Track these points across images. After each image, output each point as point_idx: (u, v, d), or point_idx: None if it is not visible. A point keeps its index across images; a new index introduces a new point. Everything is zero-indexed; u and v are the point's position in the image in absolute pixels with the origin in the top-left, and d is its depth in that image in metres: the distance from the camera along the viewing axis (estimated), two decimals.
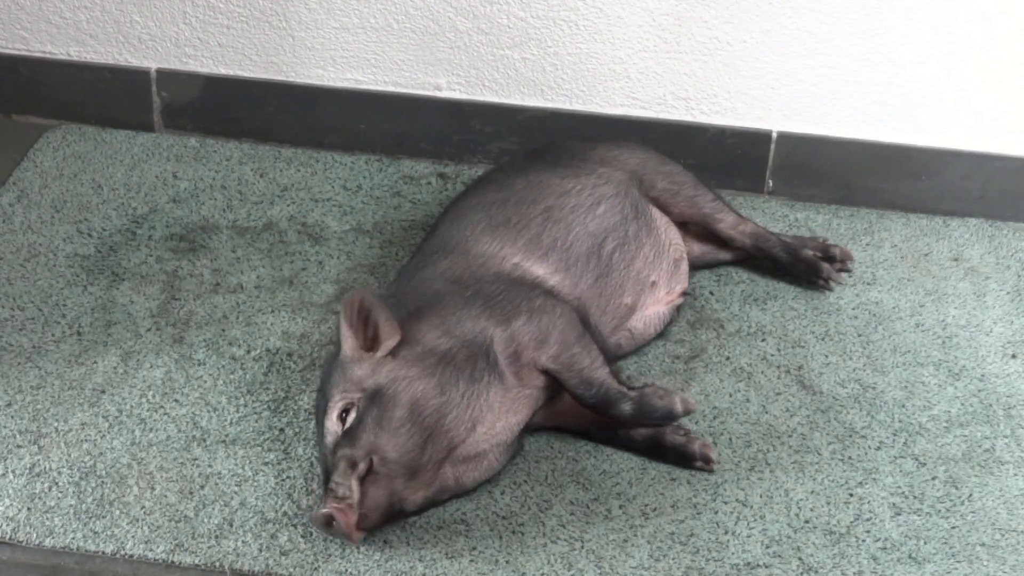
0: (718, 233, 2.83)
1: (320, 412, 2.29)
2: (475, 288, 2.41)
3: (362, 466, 2.19)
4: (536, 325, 2.37)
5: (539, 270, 2.51)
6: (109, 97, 3.28)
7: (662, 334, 2.70)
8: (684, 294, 2.74)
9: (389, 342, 2.28)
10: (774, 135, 3.12)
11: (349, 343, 2.29)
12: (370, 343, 2.30)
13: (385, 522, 2.23)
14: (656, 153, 2.85)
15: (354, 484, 2.17)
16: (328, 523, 2.17)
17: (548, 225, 2.57)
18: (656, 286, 2.67)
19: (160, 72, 3.25)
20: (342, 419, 2.25)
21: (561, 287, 2.51)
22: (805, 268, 2.84)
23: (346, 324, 2.29)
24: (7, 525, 2.26)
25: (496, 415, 2.33)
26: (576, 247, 2.56)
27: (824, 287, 2.84)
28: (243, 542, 2.26)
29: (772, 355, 2.70)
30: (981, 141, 3.08)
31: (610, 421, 2.42)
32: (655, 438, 2.43)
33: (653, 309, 2.67)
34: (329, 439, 2.24)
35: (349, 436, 2.22)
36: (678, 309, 2.73)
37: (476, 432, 2.30)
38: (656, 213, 2.74)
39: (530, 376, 2.38)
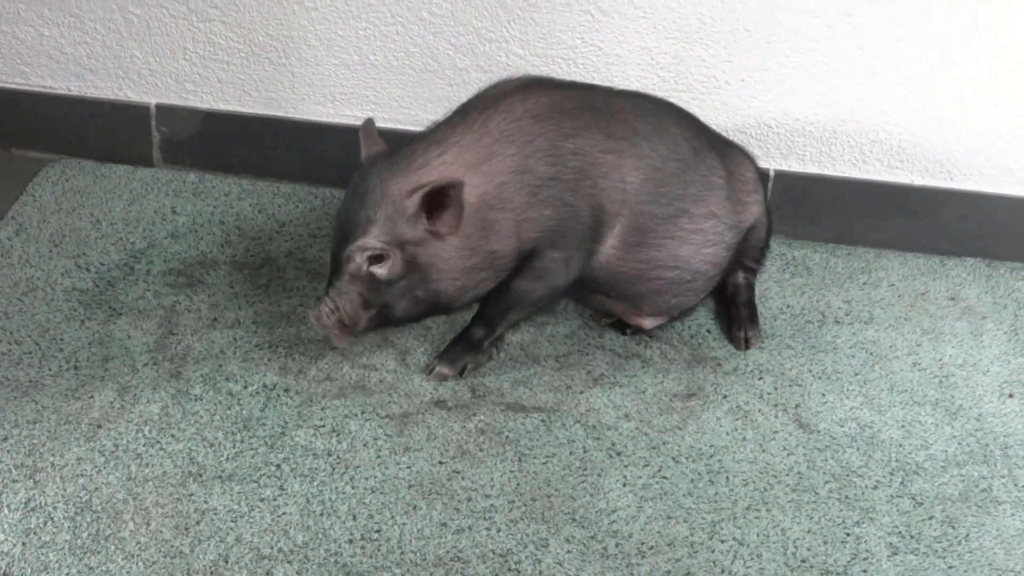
0: None
1: (351, 228, 2.49)
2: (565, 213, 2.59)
3: (373, 310, 2.54)
4: (553, 261, 2.59)
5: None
6: (108, 132, 3.29)
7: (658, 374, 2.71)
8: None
9: (445, 230, 2.48)
10: (772, 173, 3.13)
11: (415, 202, 2.45)
12: (430, 214, 2.48)
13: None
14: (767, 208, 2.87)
15: (360, 316, 2.54)
16: (326, 334, 2.58)
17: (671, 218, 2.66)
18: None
19: (159, 107, 3.26)
20: (371, 260, 2.49)
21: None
22: (737, 314, 2.85)
23: (429, 187, 2.43)
24: (2, 560, 2.25)
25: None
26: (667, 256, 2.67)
27: (736, 343, 2.82)
28: None
29: (769, 393, 2.70)
30: (978, 181, 3.09)
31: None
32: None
33: None
34: (349, 271, 2.51)
35: (376, 286, 2.51)
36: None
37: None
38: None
39: None
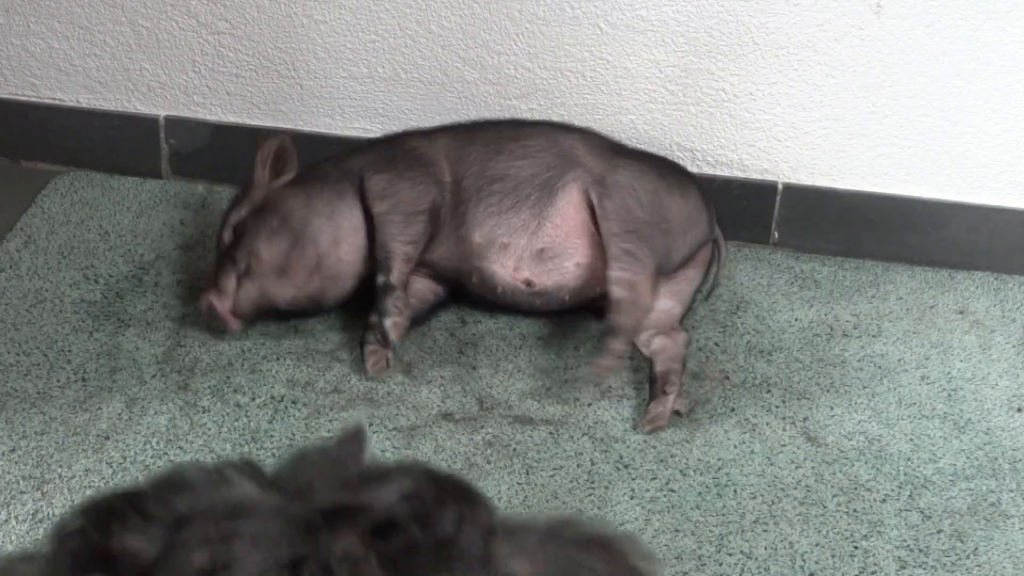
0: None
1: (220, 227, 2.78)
2: (383, 149, 2.89)
3: (241, 265, 2.69)
4: (388, 182, 2.77)
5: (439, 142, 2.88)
6: (117, 144, 3.30)
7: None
8: (528, 283, 2.78)
9: (286, 176, 2.77)
10: (780, 187, 3.13)
11: (259, 174, 2.78)
12: (275, 177, 2.79)
13: (258, 313, 2.74)
14: (647, 186, 2.84)
15: (232, 279, 2.68)
16: (209, 310, 2.68)
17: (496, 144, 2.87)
18: (506, 250, 2.79)
19: (168, 119, 3.27)
20: (235, 231, 2.74)
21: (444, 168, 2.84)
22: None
23: (260, 160, 2.77)
24: None
25: (357, 238, 2.75)
26: (482, 167, 2.83)
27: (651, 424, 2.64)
28: None
29: (777, 407, 2.69)
30: (987, 194, 3.09)
31: None
32: None
33: (498, 271, 2.79)
34: (222, 247, 2.74)
35: (235, 242, 2.73)
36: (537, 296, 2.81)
37: (340, 248, 2.74)
38: (566, 207, 2.81)
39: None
